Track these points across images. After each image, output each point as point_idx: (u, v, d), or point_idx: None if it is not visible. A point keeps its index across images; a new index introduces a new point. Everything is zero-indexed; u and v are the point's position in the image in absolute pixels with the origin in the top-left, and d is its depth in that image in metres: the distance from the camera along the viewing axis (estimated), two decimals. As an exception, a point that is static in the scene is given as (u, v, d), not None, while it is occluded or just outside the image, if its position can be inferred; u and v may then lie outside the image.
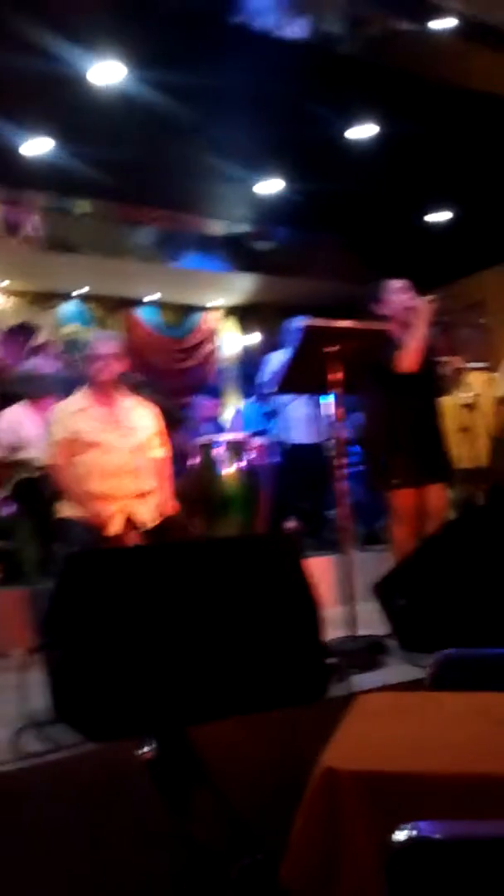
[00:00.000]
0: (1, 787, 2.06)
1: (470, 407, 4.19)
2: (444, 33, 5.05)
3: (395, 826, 1.04)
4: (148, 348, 9.72)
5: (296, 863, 1.35)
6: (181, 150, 6.09)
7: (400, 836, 1.01)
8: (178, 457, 4.11)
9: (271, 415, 6.30)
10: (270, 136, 6.02)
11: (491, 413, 5.17)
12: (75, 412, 3.87)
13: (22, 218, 7.44)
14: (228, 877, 1.47)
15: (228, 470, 4.89)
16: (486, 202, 7.28)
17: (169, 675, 2.31)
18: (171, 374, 9.77)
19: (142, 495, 3.87)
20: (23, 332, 8.84)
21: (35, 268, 8.23)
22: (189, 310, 10.16)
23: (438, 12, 4.92)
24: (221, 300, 10.16)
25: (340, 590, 3.49)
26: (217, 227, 8.52)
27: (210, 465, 4.91)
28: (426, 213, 7.73)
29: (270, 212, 7.73)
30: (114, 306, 9.64)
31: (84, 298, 9.39)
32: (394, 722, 1.63)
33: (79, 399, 3.95)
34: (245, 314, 10.52)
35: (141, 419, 3.99)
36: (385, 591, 3.20)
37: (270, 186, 6.93)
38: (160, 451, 4.02)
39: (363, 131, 5.98)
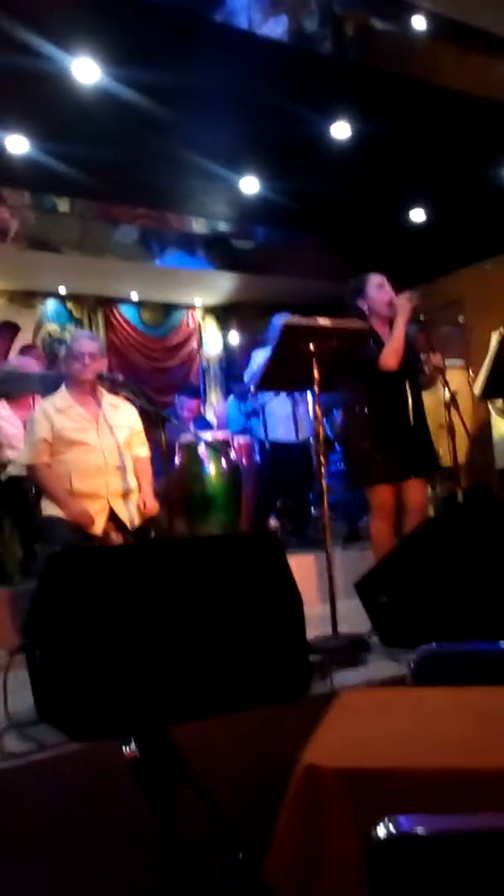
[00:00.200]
0: (-16, 789, 2.05)
1: (448, 405, 4.21)
2: (419, 32, 5.07)
3: (378, 822, 1.05)
4: (129, 347, 9.70)
5: (279, 860, 1.36)
6: (161, 148, 6.06)
7: (380, 831, 1.02)
8: (160, 456, 4.10)
9: (253, 413, 6.31)
10: (250, 135, 6.01)
11: (470, 411, 5.20)
12: (57, 411, 3.86)
13: (6, 222, 7.41)
14: (212, 875, 1.48)
15: (211, 469, 4.90)
16: (464, 200, 7.32)
17: (152, 674, 2.32)
18: (153, 374, 9.76)
19: (124, 494, 3.87)
20: (3, 331, 8.79)
21: (15, 267, 8.18)
22: (170, 309, 10.15)
23: (412, 11, 4.93)
24: (202, 299, 10.15)
25: (322, 587, 3.50)
26: (198, 226, 8.50)
27: (192, 465, 4.91)
28: (405, 212, 7.75)
29: (251, 210, 7.72)
30: (94, 305, 9.61)
31: (64, 297, 9.35)
32: (376, 718, 1.64)
33: (60, 398, 3.94)
34: (226, 313, 10.52)
35: (122, 418, 3.98)
36: (366, 588, 3.22)
37: (250, 185, 6.92)
38: (142, 451, 4.02)
39: (342, 130, 5.99)
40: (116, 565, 2.55)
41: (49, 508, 3.80)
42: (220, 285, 9.55)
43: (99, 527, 3.77)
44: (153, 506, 3.93)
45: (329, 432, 6.21)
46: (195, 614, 2.45)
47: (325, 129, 5.97)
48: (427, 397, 4.15)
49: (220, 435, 5.24)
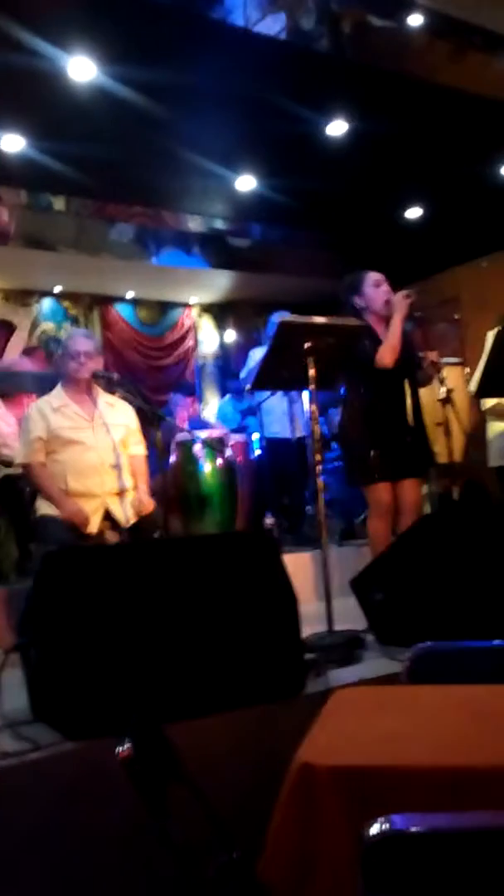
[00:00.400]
0: (-22, 788, 2.05)
1: (444, 402, 4.21)
2: (416, 29, 5.06)
3: (372, 819, 1.05)
4: (125, 346, 9.70)
5: (273, 859, 1.36)
6: (157, 146, 6.06)
7: (373, 829, 1.01)
8: (156, 455, 4.10)
9: (249, 411, 6.31)
10: (246, 133, 6.01)
11: (465, 408, 5.20)
12: (52, 410, 3.85)
13: (6, 225, 7.41)
14: (206, 875, 1.47)
15: (206, 467, 4.89)
16: (461, 198, 7.32)
17: (147, 672, 2.31)
18: (149, 372, 9.75)
19: (120, 493, 3.86)
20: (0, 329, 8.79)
21: (11, 265, 8.17)
22: (166, 307, 10.14)
23: (409, 8, 4.93)
24: (198, 297, 10.15)
25: (318, 585, 3.50)
26: (194, 224, 8.50)
27: (188, 463, 4.91)
28: (401, 210, 7.75)
29: (247, 208, 7.72)
30: (90, 304, 9.60)
31: (60, 296, 9.35)
32: (370, 716, 1.64)
33: (56, 397, 3.93)
34: (222, 311, 10.52)
35: (118, 417, 3.97)
36: (362, 585, 3.22)
37: (247, 183, 6.92)
38: (137, 449, 4.01)
39: (338, 128, 5.98)
40: (111, 564, 2.54)
41: (44, 507, 3.79)
42: (217, 283, 9.55)
43: (94, 526, 3.76)
44: (149, 505, 3.93)
45: (325, 430, 6.22)
46: (190, 613, 2.44)
47: (321, 126, 5.97)
48: (423, 395, 4.15)
49: (215, 433, 5.23)
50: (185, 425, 6.14)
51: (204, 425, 6.79)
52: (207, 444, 4.87)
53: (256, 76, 5.21)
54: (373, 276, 4.05)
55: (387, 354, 3.86)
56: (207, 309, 10.48)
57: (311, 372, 3.32)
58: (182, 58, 4.96)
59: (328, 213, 7.65)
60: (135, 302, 9.86)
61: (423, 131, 6.08)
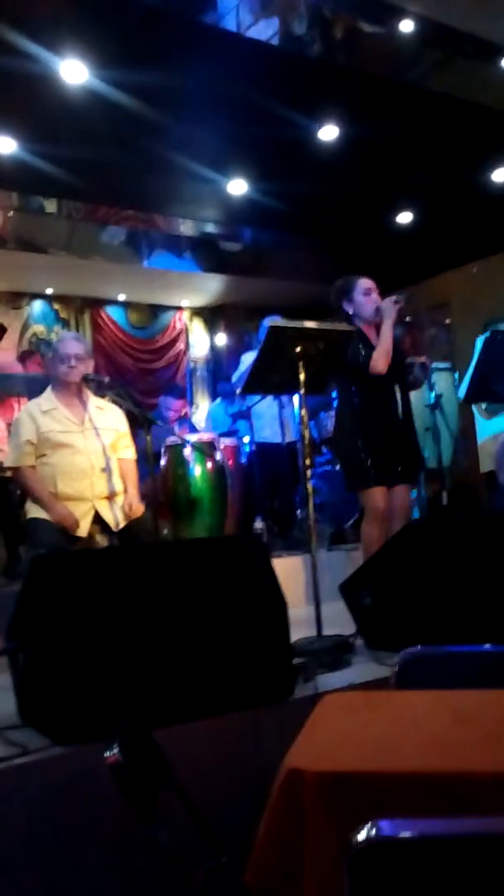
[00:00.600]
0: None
1: (434, 407, 4.22)
2: (407, 36, 5.08)
3: (360, 825, 1.05)
4: (116, 349, 9.69)
5: (261, 865, 1.35)
6: (149, 150, 6.06)
7: (361, 835, 1.01)
8: (146, 458, 4.09)
9: (240, 415, 6.31)
10: (238, 137, 6.02)
11: (454, 413, 5.22)
12: (42, 413, 3.84)
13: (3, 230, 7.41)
14: (194, 880, 1.47)
15: (196, 471, 4.89)
16: (451, 203, 7.35)
17: (136, 677, 2.31)
18: (139, 375, 9.75)
19: (110, 497, 3.86)
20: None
21: (2, 267, 8.16)
22: (157, 310, 10.14)
23: (401, 14, 4.95)
24: (189, 300, 10.15)
25: (308, 589, 3.50)
26: (185, 228, 8.51)
27: (178, 466, 4.90)
28: (392, 215, 7.78)
29: (239, 213, 7.73)
30: (82, 306, 9.59)
31: (51, 298, 9.33)
32: (359, 721, 1.64)
33: (45, 400, 3.92)
34: (213, 315, 10.52)
35: (108, 420, 3.97)
36: (351, 590, 3.22)
37: (238, 187, 6.93)
38: (127, 453, 4.01)
39: (330, 133, 6.00)
40: (100, 569, 2.54)
41: (34, 510, 3.78)
42: (208, 287, 9.56)
43: (84, 529, 3.75)
44: (139, 509, 3.92)
45: (315, 434, 6.23)
46: (179, 617, 2.44)
47: (313, 131, 5.99)
48: (412, 398, 4.16)
49: (205, 436, 5.23)
50: (175, 428, 6.14)
51: (193, 428, 6.79)
52: (197, 447, 4.86)
53: (248, 80, 5.22)
54: (363, 283, 4.05)
55: (380, 361, 3.87)
56: (198, 312, 10.48)
57: (302, 376, 3.33)
58: (174, 62, 4.97)
59: (319, 217, 7.67)
60: (126, 305, 9.86)
61: (414, 137, 6.11)
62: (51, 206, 7.67)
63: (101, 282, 9.05)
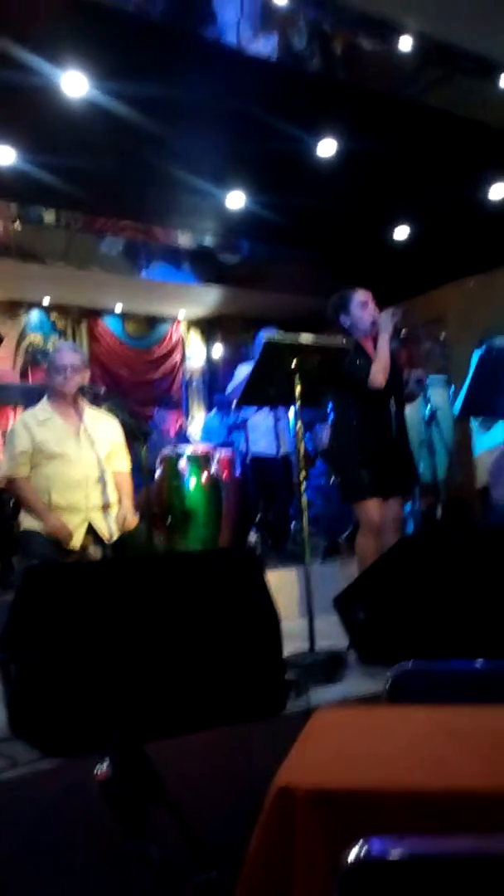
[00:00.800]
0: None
1: (429, 421, 4.23)
2: (406, 53, 5.11)
3: (351, 843, 1.04)
4: (112, 359, 9.69)
5: (251, 881, 1.35)
6: (148, 161, 6.08)
7: (351, 854, 1.01)
8: (141, 470, 4.09)
9: (235, 427, 6.32)
10: (237, 150, 6.04)
11: (450, 427, 5.22)
12: (37, 423, 3.84)
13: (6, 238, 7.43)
14: (184, 895, 1.46)
15: (191, 483, 4.88)
16: (448, 219, 7.38)
17: (128, 690, 2.30)
18: (136, 386, 9.74)
19: (104, 508, 3.85)
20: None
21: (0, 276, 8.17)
22: (154, 321, 10.15)
23: (400, 32, 4.98)
24: (186, 312, 10.16)
25: (301, 603, 3.50)
26: (183, 239, 8.52)
27: (173, 478, 4.90)
28: (389, 229, 7.80)
29: (237, 225, 7.75)
30: (79, 316, 9.60)
31: (49, 308, 9.34)
32: (351, 738, 1.63)
33: (41, 410, 3.92)
34: (210, 326, 10.54)
35: (103, 431, 3.97)
36: (345, 604, 3.22)
37: (237, 200, 6.95)
38: (122, 465, 4.01)
39: (328, 147, 6.03)
40: (93, 580, 2.53)
41: (27, 521, 3.78)
42: (205, 299, 9.57)
43: (77, 541, 3.74)
44: (133, 521, 3.92)
45: (310, 447, 6.23)
46: (172, 630, 2.43)
47: (311, 145, 6.01)
48: (408, 412, 4.17)
49: (200, 448, 5.23)
50: (171, 440, 6.14)
51: (187, 440, 6.79)
52: (192, 459, 4.86)
53: (248, 94, 5.25)
54: (360, 296, 4.07)
55: (379, 375, 3.89)
56: (195, 324, 10.49)
57: (298, 390, 3.33)
58: (174, 75, 4.99)
59: (317, 231, 7.70)
60: (123, 315, 9.86)
61: (413, 152, 6.14)
62: (49, 216, 7.68)
63: (99, 292, 9.06)
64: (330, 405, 4.19)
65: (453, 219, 7.34)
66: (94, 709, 2.20)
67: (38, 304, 9.22)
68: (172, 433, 6.60)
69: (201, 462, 4.88)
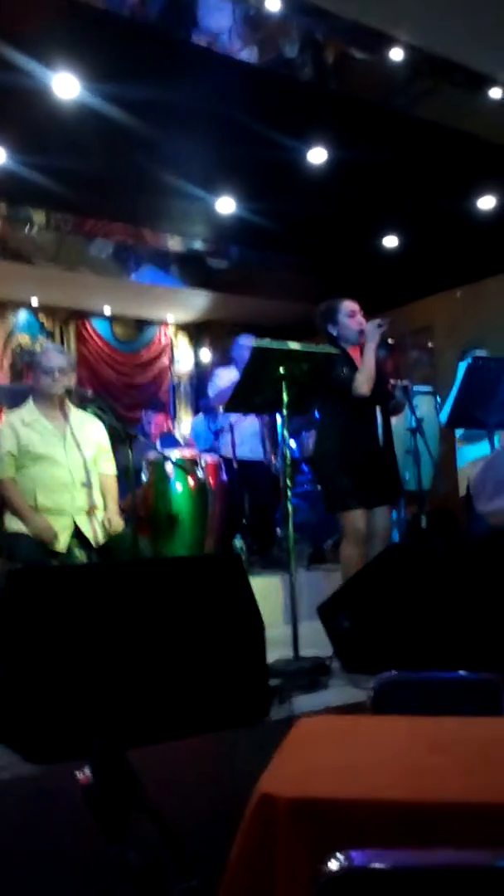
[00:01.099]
0: None
1: (415, 430, 4.25)
2: (397, 63, 5.15)
3: (332, 853, 1.04)
4: (100, 362, 9.67)
5: (232, 890, 1.34)
6: (139, 165, 6.08)
7: (331, 865, 1.00)
8: (126, 473, 4.08)
9: (221, 432, 6.31)
10: (227, 156, 6.06)
11: (435, 437, 5.24)
12: (23, 425, 3.82)
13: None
14: (165, 903, 1.46)
15: (177, 487, 4.88)
16: (436, 229, 7.42)
17: (111, 695, 2.29)
18: (123, 389, 9.72)
19: (89, 511, 3.84)
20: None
21: (-14, 277, 8.14)
22: (142, 324, 10.14)
23: (391, 43, 5.01)
24: (175, 316, 10.16)
25: (286, 609, 3.50)
26: (173, 244, 8.52)
27: (159, 482, 4.89)
28: (378, 238, 7.84)
29: (226, 230, 7.76)
30: (67, 318, 9.57)
31: (37, 309, 9.31)
32: (334, 747, 1.63)
33: (27, 412, 3.90)
34: (198, 330, 10.54)
35: (89, 434, 3.96)
36: (329, 613, 3.22)
37: (227, 205, 6.96)
38: (108, 468, 4.00)
39: (318, 155, 6.06)
40: (78, 585, 2.52)
41: (13, 523, 3.76)
42: (194, 303, 9.57)
43: (63, 543, 3.73)
44: (118, 525, 3.91)
45: (296, 453, 6.23)
46: (155, 636, 2.43)
47: (302, 153, 6.03)
48: (394, 421, 4.18)
49: (187, 453, 5.22)
50: (157, 443, 6.12)
51: (174, 443, 6.77)
52: (179, 464, 4.85)
53: (239, 101, 5.27)
54: (347, 306, 4.08)
55: (364, 384, 3.90)
56: (184, 328, 10.49)
57: (285, 397, 3.34)
58: (167, 80, 5.00)
59: (306, 238, 7.72)
60: (111, 318, 9.84)
61: (402, 162, 6.18)
62: (39, 217, 7.66)
63: (87, 294, 9.04)
64: (317, 412, 4.20)
65: (442, 229, 7.38)
66: (77, 714, 2.20)
67: (27, 305, 9.19)
68: (159, 436, 6.58)
69: (188, 467, 4.87)
